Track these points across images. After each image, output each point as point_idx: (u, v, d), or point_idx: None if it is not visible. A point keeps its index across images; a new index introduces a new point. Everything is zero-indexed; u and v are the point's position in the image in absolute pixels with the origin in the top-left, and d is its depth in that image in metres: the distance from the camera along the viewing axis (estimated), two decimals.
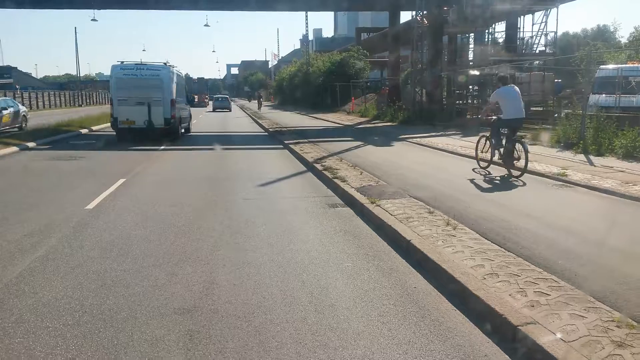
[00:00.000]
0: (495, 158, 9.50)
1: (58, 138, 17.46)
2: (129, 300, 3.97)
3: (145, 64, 16.62)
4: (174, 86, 16.79)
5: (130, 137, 16.05)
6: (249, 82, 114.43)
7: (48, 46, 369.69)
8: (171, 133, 16.61)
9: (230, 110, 45.14)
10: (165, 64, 16.84)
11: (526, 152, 8.78)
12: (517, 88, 9.61)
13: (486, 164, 9.90)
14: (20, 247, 5.27)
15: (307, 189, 8.80)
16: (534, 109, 23.15)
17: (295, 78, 51.22)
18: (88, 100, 63.68)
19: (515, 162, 9.03)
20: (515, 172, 8.99)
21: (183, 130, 18.91)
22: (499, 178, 9.07)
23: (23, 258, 4.94)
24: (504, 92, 9.29)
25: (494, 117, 9.51)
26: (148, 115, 15.84)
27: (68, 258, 4.95)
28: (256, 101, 47.88)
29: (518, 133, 9.57)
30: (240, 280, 4.40)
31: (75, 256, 5.02)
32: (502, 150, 9.29)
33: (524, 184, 8.60)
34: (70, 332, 3.43)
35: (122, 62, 16.49)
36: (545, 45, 23.64)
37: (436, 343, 3.35)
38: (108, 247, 5.31)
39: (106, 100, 70.46)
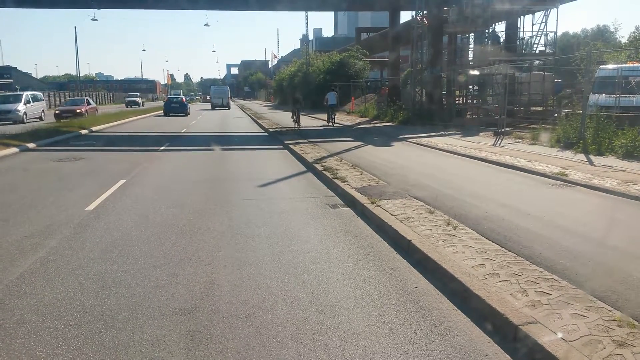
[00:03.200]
0: (328, 122, 23.42)
1: (58, 139, 17.47)
2: (129, 300, 3.97)
3: (219, 84, 77.06)
4: (228, 92, 56.04)
5: (217, 108, 50.01)
6: (249, 82, 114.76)
7: (48, 46, 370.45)
8: (227, 106, 51.50)
9: (228, 108, 61.41)
10: (227, 85, 70.07)
11: (334, 117, 24.13)
12: (335, 93, 25.01)
13: (327, 122, 23.94)
14: (21, 248, 5.27)
15: (307, 189, 8.80)
16: (534, 108, 23.16)
17: (295, 78, 51.17)
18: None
19: (331, 121, 23.29)
20: (330, 125, 23.21)
21: (229, 107, 52.41)
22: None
23: (24, 259, 4.94)
24: (328, 94, 23.86)
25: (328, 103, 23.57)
26: (221, 102, 51.30)
27: (69, 259, 4.95)
28: (259, 101, 49.60)
29: (335, 111, 23.76)
30: (241, 281, 4.41)
31: (76, 257, 5.02)
32: (329, 115, 23.49)
33: (528, 186, 8.60)
34: (71, 333, 3.44)
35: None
36: (545, 45, 23.60)
37: (437, 343, 3.35)
38: (109, 248, 5.31)
39: (107, 101, 70.42)
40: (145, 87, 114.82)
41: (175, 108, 36.71)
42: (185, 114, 36.69)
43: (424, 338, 3.41)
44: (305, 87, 45.14)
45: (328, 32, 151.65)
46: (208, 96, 77.09)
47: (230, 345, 3.29)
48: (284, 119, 30.21)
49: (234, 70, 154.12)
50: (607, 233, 5.71)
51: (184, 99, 39.66)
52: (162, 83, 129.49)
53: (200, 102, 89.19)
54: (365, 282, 4.41)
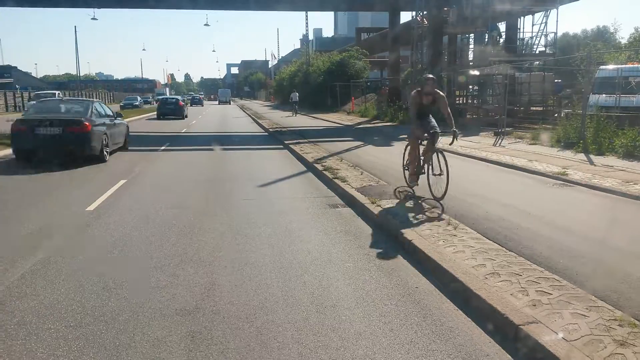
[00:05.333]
0: None
1: None
2: (130, 301, 3.97)
3: (222, 87, 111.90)
4: (229, 93, 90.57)
5: (221, 103, 74.73)
6: (249, 81, 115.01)
7: (48, 46, 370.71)
8: (228, 102, 77.66)
9: (230, 104, 76.93)
10: (228, 88, 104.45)
11: (297, 109, 34.69)
12: (297, 93, 35.18)
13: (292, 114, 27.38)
14: (21, 249, 5.27)
15: (307, 189, 8.80)
16: (534, 108, 23.16)
17: (295, 78, 51.22)
18: None
19: (295, 113, 30.31)
20: (294, 116, 28.74)
21: (230, 103, 79.01)
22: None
23: (24, 260, 4.93)
24: (292, 94, 34.15)
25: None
26: (225, 99, 78.85)
27: (69, 260, 4.95)
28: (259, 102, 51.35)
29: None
30: (242, 281, 4.40)
31: (76, 258, 5.02)
32: (294, 109, 30.49)
33: (526, 183, 8.60)
34: (72, 334, 3.43)
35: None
36: (545, 46, 23.62)
37: (438, 343, 3.35)
38: (109, 249, 5.31)
39: (107, 101, 70.89)
40: (145, 86, 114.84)
41: (196, 102, 65.04)
42: (202, 104, 66.01)
43: (425, 338, 3.41)
44: (306, 88, 45.22)
45: (328, 32, 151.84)
46: (212, 95, 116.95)
47: (231, 346, 3.29)
48: (284, 118, 30.20)
49: (234, 70, 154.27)
50: (607, 233, 5.71)
51: (201, 96, 76.01)
52: (162, 83, 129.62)
53: (204, 100, 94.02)
54: (365, 282, 4.41)
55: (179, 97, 38.70)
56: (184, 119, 32.23)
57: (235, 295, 4.10)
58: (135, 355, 3.16)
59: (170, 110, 32.96)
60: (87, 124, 11.19)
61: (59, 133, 10.89)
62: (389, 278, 4.50)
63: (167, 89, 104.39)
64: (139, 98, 59.73)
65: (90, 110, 11.88)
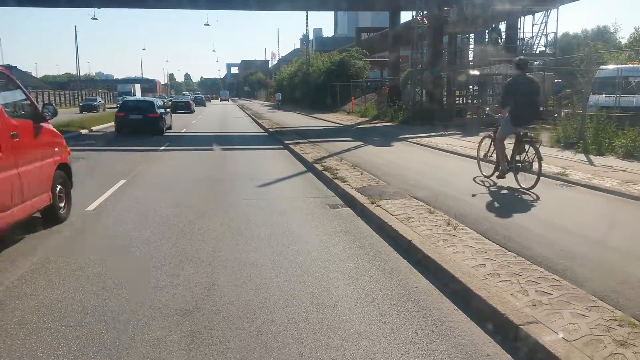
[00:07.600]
0: None
1: None
2: (130, 301, 3.97)
3: (222, 88, 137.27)
4: (228, 93, 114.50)
5: (222, 102, 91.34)
6: (249, 81, 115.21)
7: (48, 45, 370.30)
8: (228, 101, 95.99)
9: (229, 101, 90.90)
10: (227, 90, 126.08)
11: (280, 106, 44.63)
12: (280, 93, 47.65)
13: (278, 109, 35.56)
14: (21, 249, 5.27)
15: (307, 189, 8.80)
16: None
17: (295, 78, 51.24)
18: None
19: (279, 109, 35.94)
20: (279, 111, 35.77)
21: (229, 101, 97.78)
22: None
23: (24, 260, 4.94)
24: (276, 94, 47.82)
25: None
26: (226, 98, 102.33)
27: (69, 260, 4.95)
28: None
29: None
30: (242, 281, 4.40)
31: (76, 258, 5.01)
32: (278, 105, 39.95)
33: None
34: (72, 334, 3.43)
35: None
36: (546, 46, 23.63)
37: (438, 343, 3.35)
38: (109, 249, 5.31)
39: (108, 100, 70.31)
40: (146, 86, 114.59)
41: (204, 99, 72.85)
42: (208, 100, 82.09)
43: (425, 338, 3.41)
44: (305, 87, 45.26)
45: (328, 32, 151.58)
46: (214, 95, 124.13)
47: (231, 346, 3.29)
48: (284, 119, 30.19)
49: (234, 70, 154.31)
50: (607, 233, 5.71)
51: (204, 97, 75.03)
52: (163, 83, 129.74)
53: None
54: (365, 282, 4.41)
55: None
56: None
57: (235, 295, 4.10)
58: (135, 355, 3.16)
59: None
60: (190, 102, 45.83)
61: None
62: (389, 278, 4.51)
63: (137, 86, 77.48)
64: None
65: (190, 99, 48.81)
